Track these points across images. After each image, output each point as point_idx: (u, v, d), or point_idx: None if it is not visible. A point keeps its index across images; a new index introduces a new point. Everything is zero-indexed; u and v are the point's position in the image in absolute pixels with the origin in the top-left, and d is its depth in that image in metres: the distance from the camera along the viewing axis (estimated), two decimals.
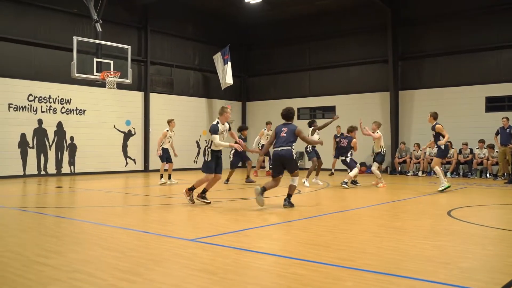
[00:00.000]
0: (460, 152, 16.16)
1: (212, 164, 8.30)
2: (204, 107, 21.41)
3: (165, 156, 12.93)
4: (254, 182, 12.71)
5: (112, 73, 14.45)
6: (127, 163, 18.38)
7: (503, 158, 14.55)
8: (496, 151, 15.28)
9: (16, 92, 15.32)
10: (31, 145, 15.67)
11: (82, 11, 15.70)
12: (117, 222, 6.66)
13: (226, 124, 8.50)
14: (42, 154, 15.95)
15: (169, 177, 13.17)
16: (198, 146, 20.92)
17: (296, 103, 20.83)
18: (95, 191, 11.19)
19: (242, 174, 15.88)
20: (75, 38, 13.92)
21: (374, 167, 12.29)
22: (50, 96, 16.12)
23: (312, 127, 12.67)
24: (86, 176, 16.15)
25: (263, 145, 15.60)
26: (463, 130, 16.40)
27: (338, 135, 16.67)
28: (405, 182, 14.14)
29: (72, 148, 16.74)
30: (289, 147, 8.02)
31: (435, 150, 14.95)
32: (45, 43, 15.94)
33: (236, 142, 8.56)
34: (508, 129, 14.52)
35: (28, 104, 15.62)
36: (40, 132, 15.91)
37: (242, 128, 14.05)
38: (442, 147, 10.51)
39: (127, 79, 14.95)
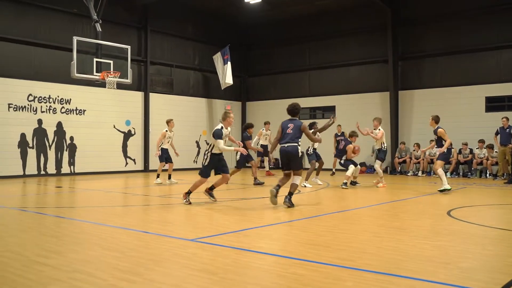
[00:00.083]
0: (460, 152, 16.16)
1: (210, 168, 8.40)
2: (204, 107, 21.41)
3: (165, 156, 12.93)
4: (262, 184, 12.56)
5: (112, 73, 14.45)
6: (127, 163, 18.38)
7: (502, 158, 14.55)
8: (496, 151, 15.28)
9: (16, 92, 15.32)
10: (31, 145, 15.67)
11: (82, 11, 15.71)
12: (117, 222, 6.66)
13: (229, 128, 8.61)
14: (42, 154, 15.95)
15: (169, 177, 13.16)
16: (198, 146, 20.93)
17: None
18: (95, 191, 11.18)
19: (243, 175, 15.90)
20: (75, 38, 13.92)
21: (377, 165, 12.22)
22: (50, 96, 16.12)
23: (313, 130, 12.68)
24: (86, 176, 16.15)
25: (261, 145, 15.62)
26: (463, 130, 16.40)
27: (339, 134, 16.68)
28: (405, 182, 14.13)
29: (72, 148, 16.74)
30: (296, 144, 8.13)
31: (435, 150, 14.95)
32: (45, 43, 15.94)
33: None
34: (507, 129, 14.53)
35: (28, 104, 15.62)
36: (40, 132, 15.90)
37: (248, 126, 13.70)
38: (445, 150, 10.44)
39: (127, 79, 14.95)
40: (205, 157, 8.45)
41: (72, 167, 16.74)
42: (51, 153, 16.22)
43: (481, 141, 15.70)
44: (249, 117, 22.81)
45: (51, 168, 16.20)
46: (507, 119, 14.70)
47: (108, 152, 17.71)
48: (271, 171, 17.00)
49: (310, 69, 21.12)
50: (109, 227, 6.26)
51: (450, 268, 4.11)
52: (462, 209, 7.92)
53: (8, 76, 15.15)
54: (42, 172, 15.94)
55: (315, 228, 6.19)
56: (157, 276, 3.85)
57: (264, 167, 17.17)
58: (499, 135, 14.79)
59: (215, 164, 8.44)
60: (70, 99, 16.66)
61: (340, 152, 12.68)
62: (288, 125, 8.26)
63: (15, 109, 15.30)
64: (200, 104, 21.18)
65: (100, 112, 17.44)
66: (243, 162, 12.99)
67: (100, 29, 14.89)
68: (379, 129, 12.28)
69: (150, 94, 19.09)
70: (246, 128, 13.52)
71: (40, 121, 15.88)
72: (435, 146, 10.92)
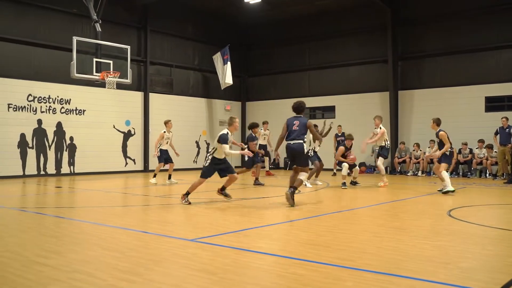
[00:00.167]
0: (459, 152, 16.16)
1: (210, 171, 8.45)
2: (204, 107, 21.41)
3: (164, 157, 12.87)
4: (263, 185, 12.53)
5: (111, 73, 14.45)
6: (126, 163, 18.37)
7: (502, 158, 14.55)
8: (495, 151, 15.29)
9: (16, 92, 15.32)
10: (30, 145, 15.66)
11: (81, 11, 15.70)
12: (116, 222, 6.66)
13: (234, 133, 8.72)
14: (41, 154, 15.95)
15: (169, 177, 13.15)
16: (198, 146, 20.93)
17: None
18: (94, 191, 11.18)
19: (242, 175, 15.88)
20: (75, 38, 13.92)
21: (380, 162, 12.18)
22: (49, 96, 16.11)
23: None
24: (85, 176, 16.14)
25: (260, 144, 15.59)
26: (462, 130, 16.40)
27: (339, 134, 16.69)
28: (404, 182, 14.13)
29: (72, 148, 16.74)
30: (301, 140, 8.23)
31: (437, 153, 14.93)
32: (44, 43, 15.94)
33: (242, 149, 8.85)
34: (507, 129, 14.54)
35: (28, 104, 15.62)
36: (39, 132, 15.90)
37: (253, 126, 13.43)
38: (447, 152, 10.30)
39: (127, 79, 14.94)
40: (206, 159, 8.50)
41: (71, 167, 16.73)
42: (51, 153, 16.22)
43: (481, 141, 15.70)
44: (249, 117, 22.80)
45: (51, 168, 16.19)
46: (507, 119, 14.70)
47: (108, 152, 17.71)
48: (271, 171, 17.00)
49: (310, 69, 21.12)
50: (108, 227, 6.26)
51: (450, 268, 4.11)
52: (462, 209, 7.92)
53: (8, 76, 15.15)
54: (42, 172, 15.94)
55: (315, 228, 6.19)
56: (157, 276, 3.85)
57: (264, 167, 17.16)
58: (498, 135, 14.79)
59: (215, 167, 8.47)
60: (70, 99, 16.65)
61: None
62: (294, 122, 8.36)
63: (14, 109, 15.30)
64: (200, 104, 21.18)
65: (100, 112, 17.43)
66: (251, 162, 12.91)
67: (100, 29, 14.89)
68: (380, 127, 12.27)
69: (150, 94, 19.08)
70: (251, 127, 13.34)
71: (39, 121, 15.88)
72: (438, 149, 10.77)
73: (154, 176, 13.01)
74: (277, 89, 22.12)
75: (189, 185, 8.74)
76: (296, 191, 8.37)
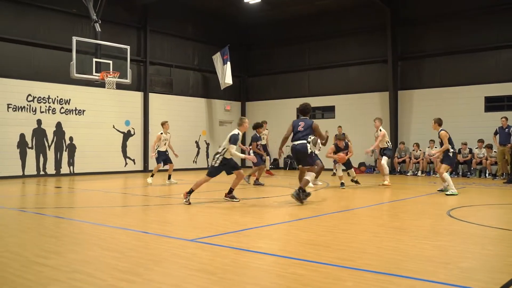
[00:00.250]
0: (459, 151, 16.15)
1: (218, 171, 8.58)
2: (204, 107, 21.40)
3: (162, 159, 12.83)
4: (263, 185, 12.50)
5: (111, 73, 14.44)
6: (126, 163, 18.37)
7: (502, 158, 14.55)
8: (495, 151, 15.29)
9: (15, 93, 15.30)
10: (30, 145, 15.65)
11: (81, 11, 15.69)
12: (116, 222, 6.66)
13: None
14: (41, 155, 15.94)
15: (169, 177, 13.13)
16: (198, 146, 20.92)
17: (295, 103, 20.84)
18: (94, 192, 11.18)
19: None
20: (74, 38, 13.91)
21: (384, 161, 12.15)
22: (49, 96, 16.10)
23: (313, 137, 12.69)
24: (85, 177, 16.14)
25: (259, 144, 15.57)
26: (462, 130, 16.39)
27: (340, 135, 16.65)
28: (404, 182, 14.13)
29: (71, 149, 16.73)
30: (304, 141, 8.37)
31: (434, 149, 14.94)
32: (44, 43, 15.92)
33: (243, 151, 8.96)
34: (507, 129, 14.54)
35: (27, 105, 15.61)
36: (39, 133, 15.89)
37: (257, 126, 13.20)
38: (450, 154, 10.16)
39: (127, 79, 14.93)
40: (215, 159, 8.54)
41: (71, 167, 16.73)
42: (51, 154, 16.21)
43: (480, 141, 15.70)
44: (249, 117, 22.72)
45: (51, 169, 16.18)
46: (506, 119, 14.71)
47: (108, 152, 17.70)
48: (271, 171, 16.99)
49: (310, 69, 21.12)
50: (108, 227, 6.25)
51: (450, 268, 4.11)
52: (461, 209, 7.92)
53: (7, 76, 15.14)
54: (42, 173, 15.93)
55: (315, 228, 6.19)
56: (157, 276, 3.85)
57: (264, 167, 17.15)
58: (498, 135, 14.80)
59: (223, 168, 8.59)
60: (70, 99, 16.65)
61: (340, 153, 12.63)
62: (299, 123, 8.54)
63: (14, 109, 15.29)
64: (199, 104, 21.17)
65: (100, 112, 17.42)
66: (260, 160, 12.85)
67: (100, 29, 14.87)
68: (380, 130, 12.26)
69: (150, 94, 19.07)
70: (255, 127, 13.22)
71: (39, 122, 15.87)
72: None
73: (152, 176, 12.99)
74: (277, 89, 22.12)
75: (189, 185, 8.74)
76: (306, 194, 8.41)
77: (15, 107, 15.31)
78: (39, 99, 15.87)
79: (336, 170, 12.24)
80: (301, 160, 8.61)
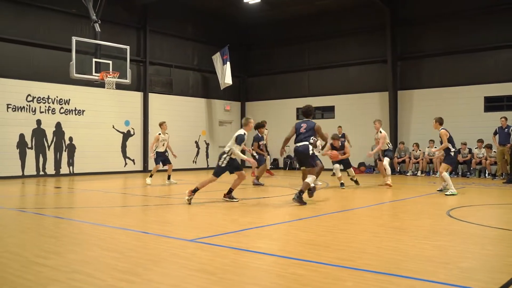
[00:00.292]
0: (459, 151, 16.15)
1: (224, 171, 8.64)
2: (204, 107, 21.40)
3: (161, 159, 12.80)
4: (262, 185, 12.47)
5: (111, 73, 14.44)
6: (126, 164, 18.36)
7: (501, 158, 14.56)
8: (494, 151, 15.29)
9: (15, 93, 15.30)
10: (29, 145, 15.65)
11: (81, 11, 15.69)
12: (116, 222, 6.65)
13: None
14: (40, 155, 15.93)
15: (169, 178, 13.12)
16: (197, 146, 20.92)
17: (295, 103, 20.89)
18: (94, 192, 11.17)
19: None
20: (74, 39, 13.91)
21: (386, 161, 12.15)
22: (48, 96, 16.10)
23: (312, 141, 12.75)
24: (85, 177, 16.13)
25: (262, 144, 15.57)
26: (461, 130, 16.37)
27: (340, 135, 16.65)
28: (404, 182, 14.13)
29: (71, 149, 16.72)
30: (306, 142, 8.39)
31: (434, 149, 14.94)
32: (44, 44, 15.92)
33: (243, 151, 9.12)
34: (506, 129, 14.55)
35: (27, 105, 15.60)
36: (38, 133, 15.88)
37: (259, 126, 13.16)
38: (452, 153, 10.15)
39: (126, 79, 14.93)
40: (222, 160, 8.56)
41: (71, 167, 16.72)
42: (50, 154, 16.20)
43: (480, 141, 15.71)
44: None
45: (50, 169, 16.18)
46: (506, 119, 14.71)
47: (107, 152, 17.69)
48: (271, 171, 16.98)
49: (310, 69, 21.12)
50: (108, 227, 6.25)
51: (450, 268, 4.11)
52: (461, 209, 7.92)
53: (7, 77, 15.13)
54: (41, 173, 15.92)
55: (315, 228, 6.18)
56: (156, 276, 3.85)
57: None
58: (497, 135, 14.80)
59: (228, 168, 8.65)
60: (69, 100, 16.64)
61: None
62: (302, 125, 8.57)
63: (13, 109, 15.28)
64: (199, 104, 21.17)
65: (99, 112, 17.42)
66: (262, 160, 12.85)
67: (99, 29, 14.87)
68: (380, 131, 12.24)
69: (149, 94, 19.07)
70: (257, 127, 13.16)
71: (39, 122, 15.86)
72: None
73: (150, 176, 12.97)
74: (277, 89, 22.11)
75: (189, 185, 8.74)
76: (311, 191, 8.58)
77: (14, 107, 15.30)
78: (39, 99, 15.86)
79: (335, 170, 12.24)
80: (303, 161, 8.69)
